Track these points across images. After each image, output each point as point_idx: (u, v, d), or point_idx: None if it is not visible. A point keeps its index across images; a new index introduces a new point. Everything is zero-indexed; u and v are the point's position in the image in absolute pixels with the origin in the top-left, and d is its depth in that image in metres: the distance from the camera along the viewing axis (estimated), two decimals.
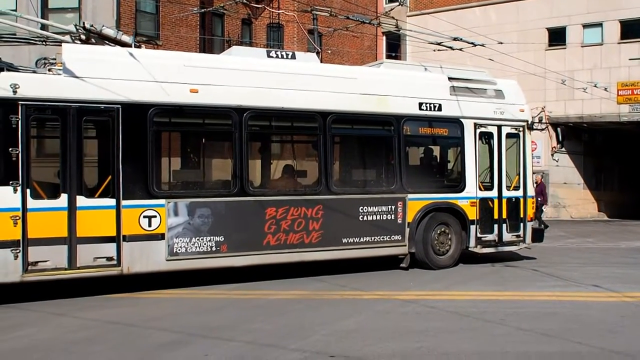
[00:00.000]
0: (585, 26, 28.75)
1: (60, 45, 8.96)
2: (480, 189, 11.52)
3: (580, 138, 29.60)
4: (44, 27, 13.46)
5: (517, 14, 30.13)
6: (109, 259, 8.63)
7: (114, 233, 8.65)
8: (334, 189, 10.26)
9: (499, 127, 11.80)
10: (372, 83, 10.80)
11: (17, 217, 8.05)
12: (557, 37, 29.19)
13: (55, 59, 9.11)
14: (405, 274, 10.77)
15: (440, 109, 11.20)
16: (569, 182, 29.07)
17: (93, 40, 9.26)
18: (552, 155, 13.86)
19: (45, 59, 9.24)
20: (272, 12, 27.06)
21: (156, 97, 9.02)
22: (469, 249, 11.47)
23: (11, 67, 8.57)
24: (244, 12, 27.12)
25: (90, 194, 8.66)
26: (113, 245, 8.64)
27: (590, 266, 11.84)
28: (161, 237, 8.93)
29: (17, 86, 8.13)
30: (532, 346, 6.19)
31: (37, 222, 8.18)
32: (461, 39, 15.31)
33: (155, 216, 8.90)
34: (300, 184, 10.59)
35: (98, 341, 6.44)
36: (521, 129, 12.05)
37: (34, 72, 9.04)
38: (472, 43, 15.28)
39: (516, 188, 11.98)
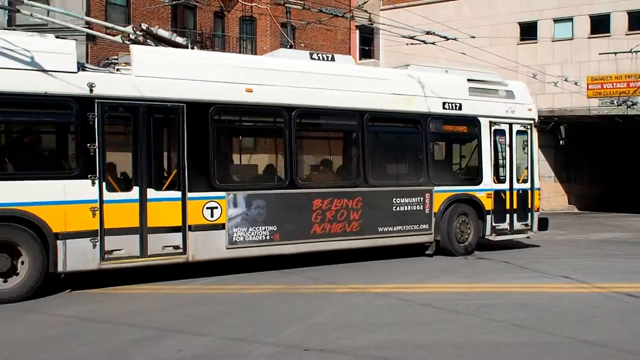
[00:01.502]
0: (556, 21, 29.11)
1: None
2: (494, 182, 12.54)
3: (551, 131, 29.97)
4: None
5: (489, 8, 30.37)
6: (176, 247, 9.18)
7: (180, 223, 9.20)
8: (371, 182, 11.04)
9: (510, 125, 12.82)
10: (402, 84, 11.60)
11: (95, 209, 8.54)
12: (528, 31, 29.50)
13: (117, 59, 9.54)
14: (379, 268, 10.81)
15: (460, 108, 12.16)
16: (540, 175, 29.39)
17: (149, 41, 9.80)
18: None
19: (107, 59, 9.60)
20: (245, 5, 26.91)
21: (216, 96, 9.62)
22: (485, 237, 12.42)
23: (83, 67, 8.90)
24: (216, 5, 26.90)
25: (158, 186, 9.19)
26: (179, 235, 9.20)
27: (561, 258, 12.01)
28: (222, 227, 9.55)
29: (93, 85, 8.59)
30: (505, 337, 6.24)
31: (112, 214, 8.66)
32: (434, 33, 15.37)
33: (216, 207, 9.51)
34: (342, 177, 11.57)
35: (71, 338, 6.32)
36: (529, 126, 13.13)
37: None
38: (444, 37, 15.36)
39: (524, 181, 13.03)
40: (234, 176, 10.51)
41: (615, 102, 26.60)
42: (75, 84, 8.48)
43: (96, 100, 8.60)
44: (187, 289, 8.97)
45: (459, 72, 12.74)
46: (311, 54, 11.21)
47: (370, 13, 16.60)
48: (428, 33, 15.29)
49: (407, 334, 6.33)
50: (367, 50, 32.22)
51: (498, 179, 12.64)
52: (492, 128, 12.56)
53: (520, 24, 29.82)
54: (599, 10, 28.01)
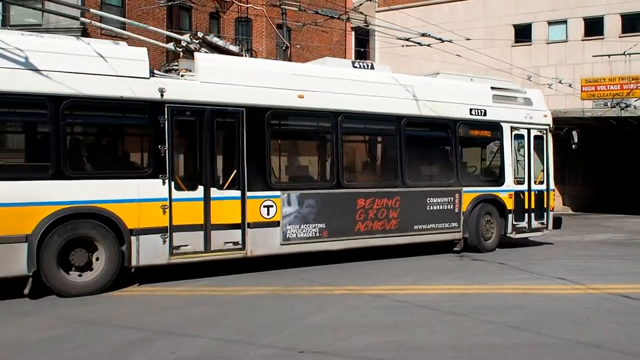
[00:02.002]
0: (550, 23, 29.19)
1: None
2: (514, 183, 13.39)
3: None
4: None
5: (484, 10, 30.45)
6: (236, 243, 9.80)
7: (239, 221, 9.84)
8: (408, 183, 11.80)
9: (529, 130, 13.73)
10: (435, 91, 12.35)
11: (166, 207, 9.11)
12: (523, 33, 29.58)
13: (177, 65, 10.03)
14: (375, 269, 10.81)
15: (485, 114, 12.97)
16: None
17: (204, 49, 10.47)
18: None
19: (168, 65, 9.95)
20: (241, 6, 26.89)
21: (272, 101, 10.25)
22: (507, 235, 13.28)
23: (153, 72, 9.39)
24: (212, 6, 26.87)
25: (220, 186, 9.78)
26: (239, 232, 9.83)
27: (556, 259, 12.04)
28: (277, 224, 10.21)
29: (164, 90, 9.17)
30: (501, 338, 6.26)
31: (180, 211, 9.23)
32: (429, 35, 15.39)
33: (272, 206, 10.18)
34: (382, 178, 12.28)
35: (66, 340, 6.31)
36: (544, 131, 14.05)
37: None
38: (439, 39, 15.38)
39: (541, 182, 13.96)
40: (288, 176, 11.37)
41: (609, 104, 26.69)
42: (147, 89, 9.09)
43: (166, 105, 9.20)
44: (182, 290, 8.94)
45: (482, 80, 13.66)
46: (353, 62, 11.99)
47: (365, 15, 16.62)
48: (423, 35, 15.32)
49: (404, 335, 6.33)
50: (363, 52, 32.24)
51: (517, 180, 13.48)
52: (513, 133, 13.42)
53: (514, 26, 29.90)
54: (592, 12, 28.12)
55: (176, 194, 9.21)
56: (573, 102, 27.27)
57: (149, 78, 9.14)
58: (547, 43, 29.12)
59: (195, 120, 9.64)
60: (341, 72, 11.31)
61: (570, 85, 25.73)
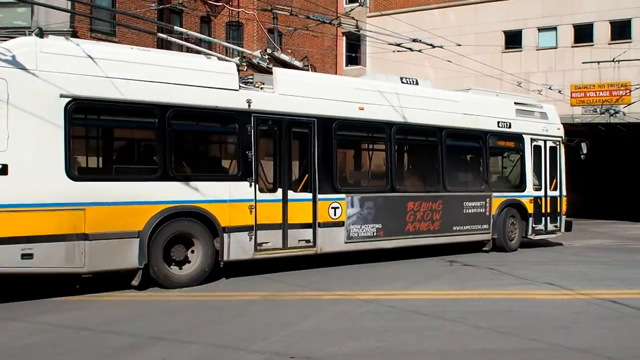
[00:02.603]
0: (540, 30, 29.38)
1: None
2: (533, 190, 14.74)
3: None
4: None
5: (475, 16, 30.60)
6: (307, 241, 10.76)
7: (311, 220, 10.79)
8: (448, 188, 13.03)
9: (545, 141, 15.13)
10: (467, 105, 13.62)
11: (252, 207, 10.03)
12: (513, 40, 29.75)
13: (252, 78, 10.79)
14: (365, 274, 10.81)
15: (510, 126, 14.36)
16: None
17: (268, 65, 11.12)
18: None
19: (243, 78, 10.69)
20: (232, 10, 26.89)
21: (338, 113, 11.30)
22: (527, 236, 14.63)
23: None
24: (202, 10, 26.85)
25: (295, 189, 10.76)
26: (310, 231, 10.77)
27: (545, 265, 12.10)
28: (342, 224, 11.22)
29: (250, 101, 10.14)
30: (491, 343, 6.27)
31: (262, 211, 10.15)
32: (420, 41, 15.44)
33: (338, 207, 11.18)
34: (427, 183, 13.17)
35: (51, 346, 6.25)
36: (558, 142, 15.47)
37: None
38: (430, 44, 15.43)
39: (555, 189, 15.29)
40: (351, 181, 12.47)
41: (598, 110, 26.87)
42: (237, 100, 10.02)
43: (252, 114, 10.14)
44: (171, 296, 8.90)
45: (505, 96, 15.22)
46: (401, 78, 13.02)
47: (357, 20, 16.65)
48: (414, 40, 15.37)
49: (394, 341, 6.33)
50: (354, 57, 32.32)
51: (535, 187, 14.82)
52: (532, 143, 14.79)
53: (505, 32, 30.06)
54: (582, 19, 28.32)
55: (260, 196, 10.16)
56: (563, 108, 27.38)
57: (238, 90, 10.07)
58: (537, 49, 29.30)
59: (275, 129, 10.65)
60: (393, 87, 12.43)
61: (560, 92, 25.87)
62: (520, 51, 29.52)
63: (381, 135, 12.21)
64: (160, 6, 22.52)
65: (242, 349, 5.98)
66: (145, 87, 9.12)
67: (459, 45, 20.31)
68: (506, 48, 29.83)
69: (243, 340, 6.34)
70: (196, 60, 10.19)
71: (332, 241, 11.10)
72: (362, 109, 11.66)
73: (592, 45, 27.93)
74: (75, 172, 8.69)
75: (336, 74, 33.14)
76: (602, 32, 27.99)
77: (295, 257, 10.71)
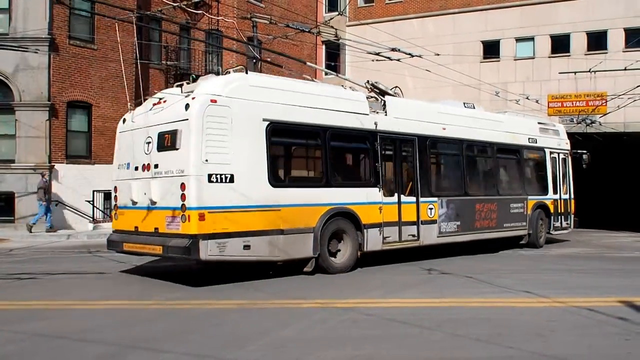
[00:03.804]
0: (518, 40, 29.77)
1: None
2: (552, 193, 17.96)
3: None
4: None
5: (453, 26, 30.91)
6: (413, 235, 13.28)
7: (415, 219, 13.35)
8: (500, 192, 16.04)
9: (558, 154, 18.52)
10: (508, 125, 16.79)
11: (381, 208, 12.53)
12: (491, 50, 30.10)
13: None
14: (344, 282, 10.81)
15: (536, 142, 17.66)
16: None
17: (372, 93, 13.65)
18: None
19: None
20: (212, 18, 26.85)
21: (429, 132, 14.00)
22: (550, 233, 17.86)
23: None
24: (182, 18, 26.77)
25: (404, 193, 13.26)
26: (415, 227, 13.32)
27: (523, 273, 12.17)
28: (435, 222, 13.83)
29: (377, 123, 12.76)
30: (468, 351, 6.29)
31: (386, 212, 12.63)
32: (399, 50, 15.55)
33: (433, 208, 13.77)
34: (486, 188, 15.87)
35: (27, 355, 6.16)
36: (567, 154, 19.07)
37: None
38: (409, 54, 15.55)
39: (566, 193, 18.76)
40: (440, 187, 14.65)
41: (575, 120, 27.23)
42: (368, 122, 12.61)
43: (378, 134, 12.75)
44: (148, 304, 8.82)
45: (529, 117, 18.88)
46: (464, 103, 16.02)
47: (336, 29, 16.72)
48: (393, 50, 15.48)
49: (371, 349, 6.32)
50: (333, 66, 32.44)
51: (554, 191, 18.01)
52: (551, 155, 18.07)
53: (483, 42, 30.41)
54: (559, 30, 28.75)
55: (384, 199, 12.66)
56: (542, 118, 27.77)
57: (368, 114, 12.65)
58: (515, 59, 29.67)
59: (391, 145, 13.20)
60: (460, 111, 15.43)
61: (537, 101, 26.18)
62: (498, 61, 29.88)
63: (457, 150, 14.99)
64: (140, 14, 22.38)
65: (218, 358, 5.95)
66: (314, 112, 11.55)
67: (438, 54, 20.49)
68: (484, 58, 30.17)
69: (220, 348, 6.30)
70: (341, 90, 12.68)
71: (429, 235, 13.63)
72: (444, 129, 14.42)
73: (569, 55, 28.36)
74: (274, 180, 10.71)
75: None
76: (578, 43, 28.43)
77: (405, 248, 13.20)
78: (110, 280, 11.18)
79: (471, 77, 27.31)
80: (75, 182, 20.94)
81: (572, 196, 18.94)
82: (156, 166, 10.31)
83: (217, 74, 12.04)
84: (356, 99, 12.54)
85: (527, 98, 25.74)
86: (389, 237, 12.62)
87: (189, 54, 27.48)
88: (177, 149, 9.90)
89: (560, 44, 28.84)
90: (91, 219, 21.32)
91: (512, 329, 7.26)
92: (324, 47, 32.04)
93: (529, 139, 17.32)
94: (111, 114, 22.52)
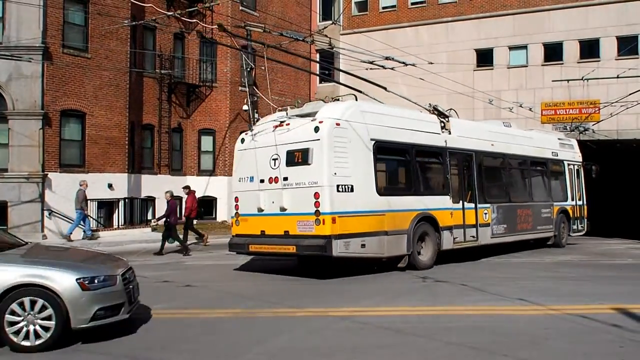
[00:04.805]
0: (511, 48, 29.88)
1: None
2: (570, 200, 20.42)
3: None
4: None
5: (447, 35, 31.02)
6: (473, 236, 15.35)
7: (474, 222, 15.43)
8: (534, 199, 18.36)
9: (574, 165, 21.04)
10: (537, 140, 19.34)
11: (451, 213, 14.59)
12: (484, 58, 30.20)
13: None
14: (337, 291, 10.78)
15: (557, 155, 20.08)
16: None
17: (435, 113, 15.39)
18: None
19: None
20: (205, 27, 26.85)
21: (482, 148, 16.28)
22: (570, 234, 20.34)
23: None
24: (176, 27, 26.80)
25: (466, 200, 15.32)
26: (474, 229, 15.40)
27: (517, 280, 12.16)
28: (489, 225, 15.99)
29: (446, 141, 14.90)
30: (462, 359, 6.28)
31: (454, 216, 14.68)
32: (393, 58, 15.59)
33: (487, 213, 15.91)
34: (524, 196, 18.17)
35: None
36: (580, 166, 21.51)
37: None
38: (403, 62, 15.59)
39: (580, 199, 21.27)
40: (491, 194, 16.57)
41: (568, 127, 27.32)
42: (440, 140, 14.78)
43: (447, 150, 14.89)
44: (142, 313, 8.76)
45: (551, 133, 21.71)
46: (503, 123, 18.80)
47: (330, 37, 16.76)
48: (387, 58, 15.52)
49: (364, 358, 6.30)
50: (328, 75, 32.50)
51: (571, 198, 20.48)
52: (568, 167, 20.55)
53: (476, 50, 30.51)
54: (552, 38, 28.89)
55: (453, 205, 14.72)
56: (533, 125, 27.78)
57: (440, 134, 14.86)
58: (508, 67, 29.77)
59: (455, 159, 15.30)
60: (502, 129, 17.89)
61: (530, 109, 26.28)
62: (492, 69, 29.98)
63: (501, 163, 17.30)
64: (133, 23, 22.39)
65: None
66: (405, 132, 13.67)
67: (432, 63, 20.54)
68: (478, 66, 30.26)
69: (214, 357, 6.27)
70: (420, 113, 14.85)
71: (485, 236, 15.73)
72: (492, 145, 16.69)
73: (562, 63, 28.47)
74: (379, 189, 12.68)
75: (310, 90, 33.31)
76: (571, 51, 28.57)
77: (466, 248, 15.01)
78: None
79: (465, 86, 27.41)
80: (69, 191, 20.84)
81: (585, 202, 21.62)
82: (285, 179, 12.34)
83: (325, 101, 13.85)
84: (431, 121, 14.78)
85: (521, 106, 25.85)
86: (457, 237, 14.66)
87: (183, 63, 27.48)
88: (309, 164, 11.99)
89: (553, 52, 28.97)
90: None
91: (506, 337, 7.26)
92: (318, 55, 32.07)
93: (552, 152, 19.78)
94: (105, 123, 22.48)
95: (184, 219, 19.18)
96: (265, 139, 13.03)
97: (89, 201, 21.11)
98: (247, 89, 26.63)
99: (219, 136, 28.19)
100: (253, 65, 22.69)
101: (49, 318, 6.53)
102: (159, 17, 22.59)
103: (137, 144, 24.97)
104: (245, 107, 26.46)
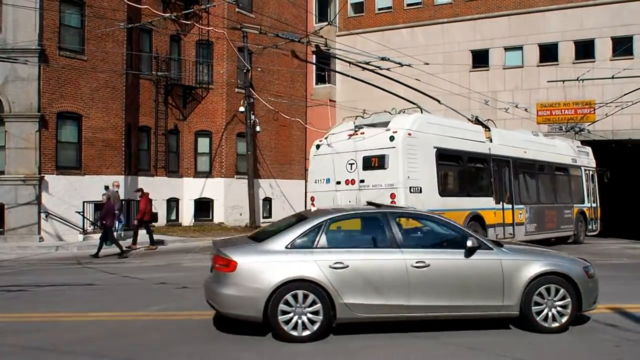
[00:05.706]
0: (506, 49, 29.94)
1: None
2: (586, 202, 22.37)
3: None
4: None
5: (442, 36, 31.07)
6: (510, 234, 17.22)
7: (511, 221, 17.49)
8: (558, 202, 20.48)
9: (589, 170, 22.89)
10: (559, 147, 21.40)
11: (494, 213, 16.58)
12: (480, 59, 30.26)
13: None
14: None
15: (576, 161, 22.09)
16: None
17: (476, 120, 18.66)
18: None
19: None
20: (202, 28, 26.87)
21: (517, 155, 18.39)
22: (587, 233, 22.40)
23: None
24: (172, 29, 26.81)
25: (504, 201, 17.33)
26: (511, 227, 17.45)
27: None
28: (523, 224, 18.04)
29: (490, 149, 17.07)
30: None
31: (496, 215, 16.71)
32: (389, 59, 15.63)
33: (521, 213, 18.00)
34: (550, 198, 20.24)
35: None
36: (594, 170, 23.43)
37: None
38: (399, 63, 15.64)
39: (594, 202, 23.19)
40: (524, 196, 18.61)
41: (563, 128, 27.40)
42: (485, 148, 16.93)
43: (491, 156, 17.04)
44: (137, 316, 8.75)
45: (569, 141, 22.96)
46: (532, 132, 21.20)
47: (326, 39, 16.78)
48: (383, 59, 15.57)
49: None
50: (323, 75, 32.55)
51: (587, 200, 22.37)
52: (585, 172, 22.42)
53: (472, 51, 30.57)
54: (547, 39, 28.96)
55: (495, 206, 16.73)
56: (529, 126, 27.91)
57: (484, 142, 17.04)
58: (504, 68, 29.84)
59: (497, 165, 17.21)
60: (531, 137, 20.11)
61: (526, 110, 26.37)
62: (488, 70, 30.04)
63: (532, 169, 19.24)
64: (130, 25, 22.38)
65: None
66: (458, 141, 15.78)
67: (427, 64, 20.61)
68: (473, 67, 30.33)
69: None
70: (468, 123, 17.67)
71: (520, 234, 17.67)
72: (525, 152, 18.72)
73: (557, 64, 28.55)
74: (440, 191, 14.83)
75: (306, 91, 33.33)
76: (566, 51, 28.64)
77: None
78: (98, 291, 11.11)
79: (461, 86, 27.47)
80: (65, 193, 20.81)
81: (599, 205, 23.53)
82: (362, 181, 14.43)
83: (390, 113, 15.51)
84: (477, 130, 17.03)
85: (517, 106, 25.93)
86: (498, 234, 16.20)
87: (179, 65, 27.49)
88: (385, 169, 14.08)
89: (549, 53, 29.02)
90: (81, 230, 21.18)
91: (503, 336, 7.28)
92: (314, 57, 32.09)
93: (571, 159, 21.75)
94: (101, 125, 22.45)
95: (135, 222, 19.42)
96: (341, 145, 15.10)
97: (85, 203, 21.10)
98: (243, 91, 26.71)
99: (216, 138, 28.19)
100: (249, 67, 22.70)
101: None
102: (155, 19, 22.60)
103: (134, 146, 24.96)
104: (241, 109, 26.51)
